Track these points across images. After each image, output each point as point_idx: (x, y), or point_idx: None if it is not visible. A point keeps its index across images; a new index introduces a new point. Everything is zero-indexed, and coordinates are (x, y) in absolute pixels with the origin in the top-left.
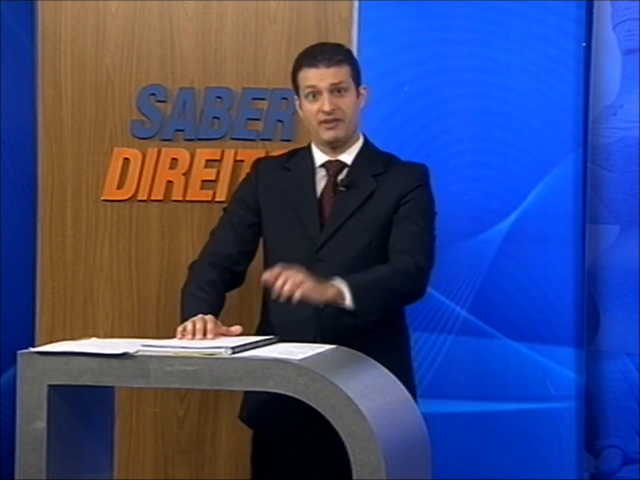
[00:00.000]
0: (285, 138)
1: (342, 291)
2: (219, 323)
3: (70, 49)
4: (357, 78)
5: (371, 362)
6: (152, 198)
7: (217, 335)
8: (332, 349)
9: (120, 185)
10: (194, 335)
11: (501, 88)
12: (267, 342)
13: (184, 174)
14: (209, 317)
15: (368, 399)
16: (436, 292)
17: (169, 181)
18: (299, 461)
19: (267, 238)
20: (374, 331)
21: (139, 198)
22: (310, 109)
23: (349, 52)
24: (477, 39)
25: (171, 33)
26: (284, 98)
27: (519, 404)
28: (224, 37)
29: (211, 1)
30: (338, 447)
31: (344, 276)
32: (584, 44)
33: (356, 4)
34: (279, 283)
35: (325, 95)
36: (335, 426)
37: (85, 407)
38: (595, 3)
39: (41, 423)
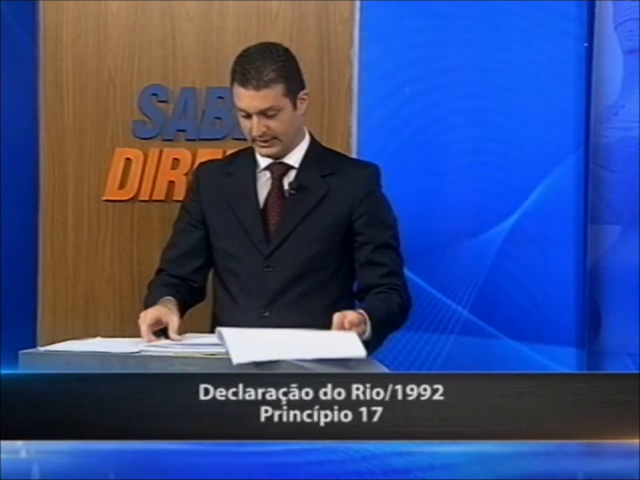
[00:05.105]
0: None
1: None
2: (173, 309)
3: (71, 49)
4: (293, 89)
5: (371, 362)
6: (153, 198)
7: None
8: None
9: (121, 185)
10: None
11: (501, 88)
12: None
13: (186, 174)
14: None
15: None
16: (437, 292)
17: (171, 181)
18: None
19: (214, 249)
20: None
21: (141, 198)
22: (243, 125)
23: (283, 64)
24: (477, 39)
25: (173, 32)
26: None
27: None
28: (225, 36)
29: (213, 1)
30: None
31: (367, 309)
32: (585, 44)
33: (357, 4)
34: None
35: (255, 119)
36: None
37: None
38: (597, 3)
39: None
